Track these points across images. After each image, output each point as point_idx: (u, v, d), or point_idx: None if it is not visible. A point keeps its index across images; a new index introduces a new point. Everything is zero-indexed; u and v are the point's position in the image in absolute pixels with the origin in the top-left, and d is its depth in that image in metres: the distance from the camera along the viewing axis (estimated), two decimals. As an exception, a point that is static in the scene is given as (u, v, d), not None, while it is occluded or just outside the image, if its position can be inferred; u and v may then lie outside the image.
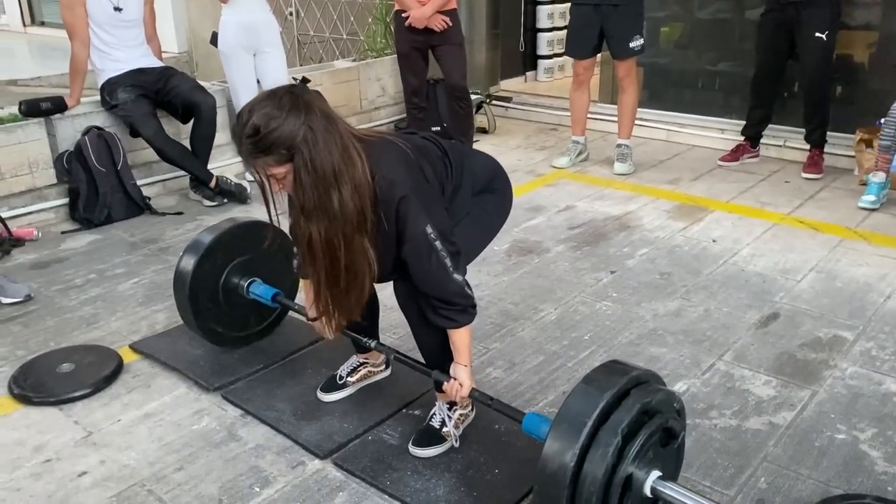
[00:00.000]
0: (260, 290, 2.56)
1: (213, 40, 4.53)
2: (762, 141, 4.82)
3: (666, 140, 5.32)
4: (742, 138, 4.80)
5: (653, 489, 1.64)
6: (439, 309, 1.96)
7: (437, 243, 1.88)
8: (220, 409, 2.45)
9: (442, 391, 2.12)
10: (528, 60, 6.74)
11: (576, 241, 3.69)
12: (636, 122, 5.12)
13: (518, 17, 6.47)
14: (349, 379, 2.45)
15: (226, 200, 4.27)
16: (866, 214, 3.92)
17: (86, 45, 4.11)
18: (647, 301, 3.10)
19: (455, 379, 2.03)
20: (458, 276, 1.94)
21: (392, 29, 5.62)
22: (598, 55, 4.74)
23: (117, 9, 4.12)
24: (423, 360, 2.19)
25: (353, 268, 1.90)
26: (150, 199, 4.21)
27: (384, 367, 2.52)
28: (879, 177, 3.97)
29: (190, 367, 2.62)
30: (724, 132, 5.08)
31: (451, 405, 2.23)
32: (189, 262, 2.51)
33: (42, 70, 7.35)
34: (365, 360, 2.47)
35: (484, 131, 5.61)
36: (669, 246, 3.62)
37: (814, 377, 2.56)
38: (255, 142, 1.74)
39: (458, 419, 2.24)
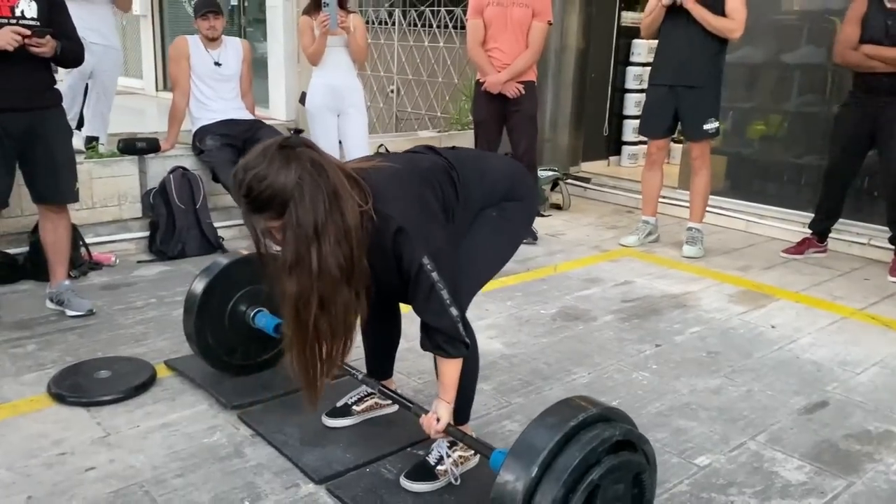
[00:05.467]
0: (264, 320, 2.59)
1: (302, 100, 4.83)
2: (845, 237, 4.62)
3: (745, 231, 5.17)
4: (809, 232, 4.62)
5: None
6: (432, 334, 1.94)
7: (434, 274, 1.87)
8: (233, 428, 2.50)
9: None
10: (613, 145, 6.79)
11: (626, 314, 3.60)
12: (715, 210, 5.03)
13: (604, 103, 6.56)
14: (355, 408, 2.46)
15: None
16: (949, 317, 3.66)
17: (185, 96, 4.48)
18: (686, 376, 2.97)
19: (434, 413, 2.01)
20: (453, 310, 1.91)
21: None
22: (672, 135, 4.73)
23: (217, 63, 4.50)
24: (409, 400, 2.20)
25: (328, 327, 1.83)
26: (223, 239, 4.43)
27: (392, 401, 2.51)
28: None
29: (214, 386, 2.70)
30: (805, 226, 4.89)
31: (452, 444, 2.19)
32: (200, 284, 2.62)
33: (161, 127, 7.99)
34: (373, 391, 2.47)
35: (558, 207, 5.64)
36: (724, 328, 3.48)
37: (853, 468, 2.36)
38: (250, 201, 1.73)
39: (458, 459, 2.19)
